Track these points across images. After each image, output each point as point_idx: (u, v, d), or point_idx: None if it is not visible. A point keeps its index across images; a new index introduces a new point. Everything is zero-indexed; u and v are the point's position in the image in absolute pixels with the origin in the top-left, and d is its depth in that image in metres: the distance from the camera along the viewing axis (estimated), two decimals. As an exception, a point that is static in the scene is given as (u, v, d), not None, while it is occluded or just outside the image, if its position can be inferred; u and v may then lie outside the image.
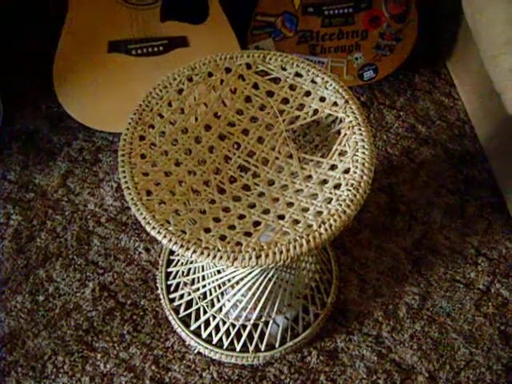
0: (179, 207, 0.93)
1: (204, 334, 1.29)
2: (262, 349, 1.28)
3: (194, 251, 0.86)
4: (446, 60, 1.80)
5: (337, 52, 1.66)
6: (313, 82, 1.05)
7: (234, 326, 1.26)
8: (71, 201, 1.51)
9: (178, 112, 1.03)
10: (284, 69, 1.07)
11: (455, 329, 1.36)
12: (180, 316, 1.32)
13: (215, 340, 1.28)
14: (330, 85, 1.03)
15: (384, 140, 1.64)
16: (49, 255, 1.43)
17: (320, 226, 0.88)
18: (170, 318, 1.33)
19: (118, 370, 1.29)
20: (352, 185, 0.92)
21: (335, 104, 1.02)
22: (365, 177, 0.93)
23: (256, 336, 1.26)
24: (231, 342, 1.28)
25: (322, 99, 1.04)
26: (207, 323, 1.28)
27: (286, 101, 1.06)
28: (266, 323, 1.25)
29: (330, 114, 1.03)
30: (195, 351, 1.31)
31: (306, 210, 0.94)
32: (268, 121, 1.06)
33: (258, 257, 0.86)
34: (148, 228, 0.89)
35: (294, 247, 0.86)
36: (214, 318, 1.26)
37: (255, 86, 1.08)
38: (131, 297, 1.38)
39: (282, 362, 1.31)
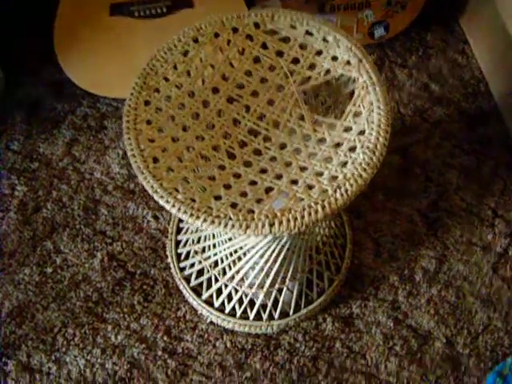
0: (188, 174, 0.89)
1: (216, 303, 1.27)
2: (276, 317, 1.25)
3: (205, 220, 0.83)
4: (458, 17, 1.75)
5: (346, 10, 1.60)
6: (324, 40, 1.01)
7: (246, 294, 1.23)
8: (77, 169, 1.48)
9: (184, 75, 0.99)
10: (294, 27, 1.02)
11: (472, 293, 1.33)
12: (191, 285, 1.30)
13: (228, 309, 1.26)
14: (343, 43, 0.99)
15: (396, 100, 1.59)
16: (56, 226, 1.40)
17: (335, 191, 0.85)
18: (181, 287, 1.31)
19: (129, 341, 1.27)
20: (368, 147, 0.88)
21: (348, 63, 0.98)
22: (381, 139, 0.89)
23: (269, 304, 1.24)
24: (244, 311, 1.25)
25: (335, 58, 1.00)
26: (219, 292, 1.26)
27: (296, 61, 1.02)
28: (280, 290, 1.22)
29: (342, 74, 0.99)
30: (207, 321, 1.29)
31: (320, 174, 0.90)
32: (278, 82, 1.01)
33: (272, 224, 0.82)
34: (156, 197, 0.86)
35: (309, 214, 0.83)
36: (226, 286, 1.23)
37: (264, 46, 1.03)
38: (141, 266, 1.35)
39: (297, 329, 1.29)
